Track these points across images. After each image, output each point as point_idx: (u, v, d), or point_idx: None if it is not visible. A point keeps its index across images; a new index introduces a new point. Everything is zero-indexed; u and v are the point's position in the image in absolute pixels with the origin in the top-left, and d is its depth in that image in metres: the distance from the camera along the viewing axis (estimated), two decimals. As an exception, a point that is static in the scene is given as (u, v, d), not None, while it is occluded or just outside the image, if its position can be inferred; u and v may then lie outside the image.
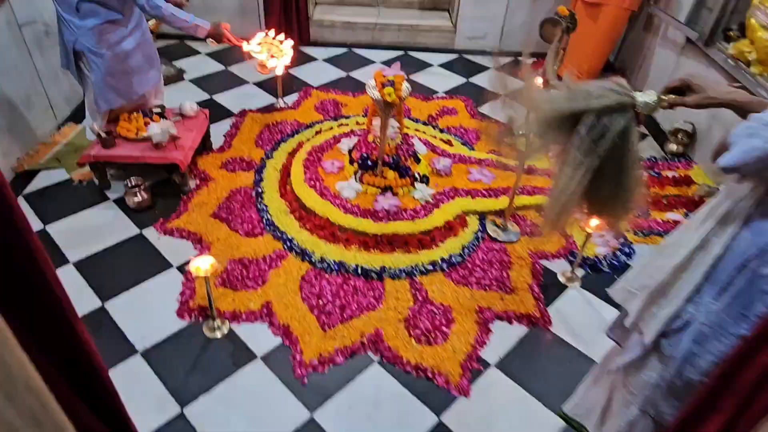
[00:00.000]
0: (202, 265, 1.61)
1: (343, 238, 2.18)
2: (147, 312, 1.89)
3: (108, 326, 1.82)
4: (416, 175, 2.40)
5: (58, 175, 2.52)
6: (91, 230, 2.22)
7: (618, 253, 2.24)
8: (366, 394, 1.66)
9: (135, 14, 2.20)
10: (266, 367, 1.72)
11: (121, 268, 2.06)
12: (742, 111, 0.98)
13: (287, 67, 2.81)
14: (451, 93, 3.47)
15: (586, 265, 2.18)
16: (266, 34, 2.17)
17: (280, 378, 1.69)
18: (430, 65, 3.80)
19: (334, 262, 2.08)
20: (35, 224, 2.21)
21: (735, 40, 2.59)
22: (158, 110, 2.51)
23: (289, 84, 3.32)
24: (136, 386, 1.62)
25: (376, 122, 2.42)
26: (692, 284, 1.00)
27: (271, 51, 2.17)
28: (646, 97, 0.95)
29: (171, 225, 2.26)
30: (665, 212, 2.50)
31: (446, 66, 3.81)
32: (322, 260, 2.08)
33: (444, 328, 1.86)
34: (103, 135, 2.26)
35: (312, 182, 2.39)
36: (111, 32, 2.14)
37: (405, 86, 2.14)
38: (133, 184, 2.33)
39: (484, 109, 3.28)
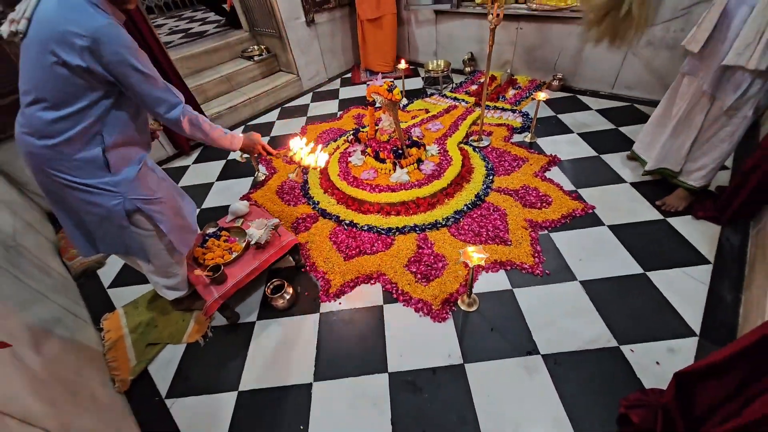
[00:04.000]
0: (475, 255, 1.31)
1: (442, 199, 2.03)
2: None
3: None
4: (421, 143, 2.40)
5: (170, 356, 1.51)
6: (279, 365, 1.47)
7: (522, 117, 2.77)
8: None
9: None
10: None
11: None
12: None
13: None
14: (343, 108, 3.35)
15: (527, 127, 2.60)
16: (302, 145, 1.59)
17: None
18: (306, 105, 3.55)
19: (454, 213, 1.96)
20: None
21: None
22: (212, 231, 1.74)
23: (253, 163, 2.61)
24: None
25: (384, 123, 2.28)
26: None
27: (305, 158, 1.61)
28: None
29: (333, 291, 1.68)
30: (507, 92, 3.19)
31: (316, 100, 3.62)
32: (447, 218, 1.92)
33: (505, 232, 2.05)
34: (210, 274, 1.47)
35: (377, 190, 2.12)
36: (152, 170, 1.31)
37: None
38: (274, 287, 1.61)
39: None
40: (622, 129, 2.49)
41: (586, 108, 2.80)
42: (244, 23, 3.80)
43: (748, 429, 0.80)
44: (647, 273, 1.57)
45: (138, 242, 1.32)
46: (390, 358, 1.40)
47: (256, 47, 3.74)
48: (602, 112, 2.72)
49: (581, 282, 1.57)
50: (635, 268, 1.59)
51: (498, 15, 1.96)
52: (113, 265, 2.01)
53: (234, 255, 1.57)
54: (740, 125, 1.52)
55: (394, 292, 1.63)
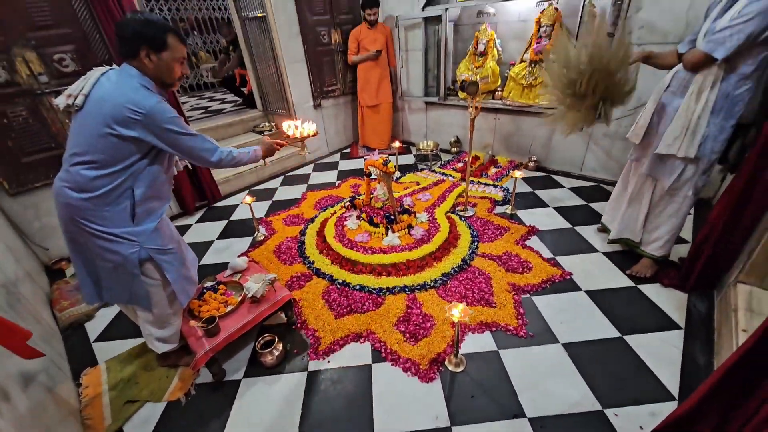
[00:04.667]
0: (456, 312, 1.41)
1: (431, 262, 2.17)
2: None
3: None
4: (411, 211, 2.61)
5: (149, 414, 1.46)
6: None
7: (503, 192, 3.11)
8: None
9: None
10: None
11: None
12: (659, 61, 1.70)
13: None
14: (342, 178, 3.67)
15: (507, 201, 2.88)
16: (292, 126, 1.88)
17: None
18: (308, 174, 3.88)
19: (442, 275, 2.09)
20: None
21: (455, 92, 3.89)
22: (210, 284, 1.80)
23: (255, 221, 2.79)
24: None
25: (379, 191, 2.51)
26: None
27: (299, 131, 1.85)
28: None
29: (322, 349, 1.70)
30: (490, 170, 3.57)
31: (317, 170, 3.97)
32: (435, 280, 2.04)
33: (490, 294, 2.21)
34: (204, 325, 1.50)
35: (370, 252, 2.25)
36: (167, 223, 1.47)
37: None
38: (265, 342, 1.64)
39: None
40: (592, 205, 2.77)
41: (560, 186, 3.13)
42: (259, 104, 4.34)
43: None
44: (624, 337, 1.64)
45: (144, 290, 1.38)
46: (377, 420, 1.38)
47: (267, 123, 4.22)
48: (574, 189, 3.04)
49: (563, 344, 1.63)
50: (613, 332, 1.67)
51: (477, 108, 2.36)
52: (102, 318, 2.01)
53: (229, 308, 1.63)
54: (683, 203, 1.77)
55: (382, 351, 1.66)
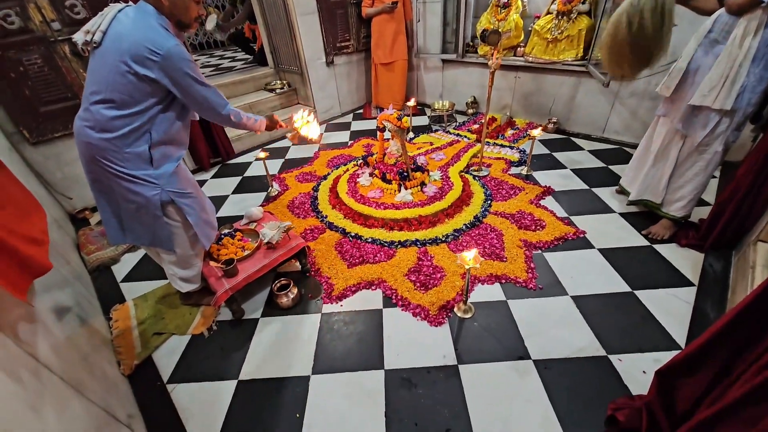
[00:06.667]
0: (469, 256, 1.44)
1: (443, 218, 2.19)
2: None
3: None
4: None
5: (175, 345, 1.58)
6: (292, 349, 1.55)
7: (520, 153, 3.04)
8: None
9: None
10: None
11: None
12: (699, 4, 1.57)
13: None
14: (354, 138, 3.62)
15: (524, 162, 2.82)
16: (302, 113, 1.95)
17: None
18: (321, 134, 3.84)
19: (453, 231, 2.10)
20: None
21: (474, 49, 3.73)
22: (228, 231, 1.87)
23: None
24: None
25: (392, 147, 2.49)
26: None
27: (306, 125, 1.94)
28: None
29: (335, 294, 1.78)
30: (506, 132, 3.47)
31: (330, 130, 3.92)
32: (447, 235, 2.06)
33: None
34: (223, 266, 1.58)
35: (383, 207, 2.28)
36: (185, 169, 1.49)
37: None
38: (281, 285, 1.73)
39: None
40: (612, 167, 2.69)
41: (579, 148, 3.04)
42: (270, 61, 4.24)
43: (729, 411, 0.86)
44: (635, 291, 1.66)
45: (167, 232, 1.44)
46: (387, 357, 1.46)
47: (278, 81, 4.14)
48: (594, 152, 2.95)
49: (572, 297, 1.66)
50: (623, 287, 1.68)
51: (497, 61, 2.25)
52: (127, 262, 2.12)
53: (246, 253, 1.70)
54: (711, 160, 1.70)
55: (393, 297, 1.72)
